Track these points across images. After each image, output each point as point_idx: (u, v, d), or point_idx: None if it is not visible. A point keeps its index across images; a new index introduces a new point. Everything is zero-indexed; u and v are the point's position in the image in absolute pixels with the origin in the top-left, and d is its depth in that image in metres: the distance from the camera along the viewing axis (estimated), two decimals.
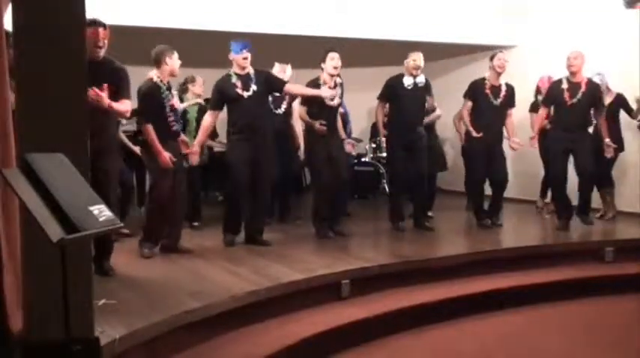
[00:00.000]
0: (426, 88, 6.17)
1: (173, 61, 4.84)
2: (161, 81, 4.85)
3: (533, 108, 7.03)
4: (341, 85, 5.78)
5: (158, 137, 4.74)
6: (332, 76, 5.63)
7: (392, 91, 6.07)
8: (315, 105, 5.66)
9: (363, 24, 7.55)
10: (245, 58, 5.22)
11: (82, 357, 2.23)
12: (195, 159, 5.34)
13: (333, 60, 5.59)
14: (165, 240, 5.03)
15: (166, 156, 4.71)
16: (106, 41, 4.17)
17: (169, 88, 4.94)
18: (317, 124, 5.59)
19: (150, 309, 3.46)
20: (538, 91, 7.04)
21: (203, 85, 6.42)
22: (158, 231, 4.94)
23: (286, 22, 7.21)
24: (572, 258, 5.40)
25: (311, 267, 4.53)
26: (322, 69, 5.66)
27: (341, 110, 6.45)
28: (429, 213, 6.95)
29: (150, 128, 4.72)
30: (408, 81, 6.01)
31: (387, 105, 6.33)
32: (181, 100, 6.15)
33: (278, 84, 5.43)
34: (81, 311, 2.49)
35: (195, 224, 6.27)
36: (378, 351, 3.88)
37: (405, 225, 6.12)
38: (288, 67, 6.38)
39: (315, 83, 5.66)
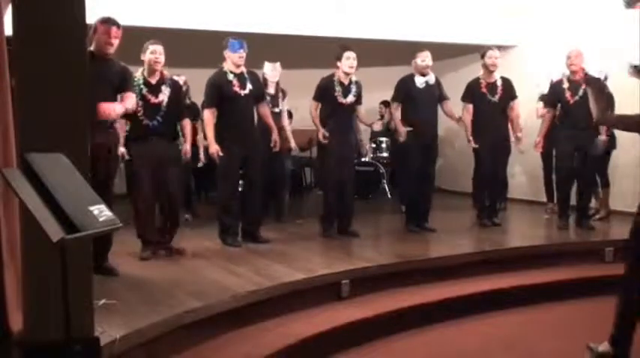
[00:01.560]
0: (438, 86, 6.12)
1: (147, 56, 4.83)
2: (143, 76, 4.85)
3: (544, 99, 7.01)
4: (356, 83, 5.79)
5: (134, 133, 4.72)
6: (347, 74, 5.66)
7: (405, 92, 6.01)
8: (327, 103, 5.67)
9: (362, 24, 7.55)
10: (241, 57, 5.25)
11: (82, 357, 2.23)
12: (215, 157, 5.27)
13: (349, 59, 5.61)
14: (159, 238, 4.98)
15: (120, 152, 4.65)
16: (117, 40, 4.24)
17: (159, 84, 4.87)
18: (320, 133, 5.61)
19: (150, 309, 3.46)
20: None
21: (186, 83, 6.45)
22: (143, 233, 4.87)
23: (286, 22, 7.21)
24: (572, 258, 5.40)
25: (311, 266, 4.53)
26: (338, 67, 5.66)
27: None
28: None
29: (122, 122, 4.71)
30: (419, 80, 5.98)
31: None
32: None
33: (261, 94, 5.57)
34: (81, 311, 2.49)
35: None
36: (378, 351, 3.88)
37: (416, 227, 6.10)
38: (278, 65, 6.42)
39: (329, 79, 5.70)
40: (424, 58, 5.95)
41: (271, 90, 6.43)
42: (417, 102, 5.95)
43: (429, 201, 6.26)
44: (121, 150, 4.73)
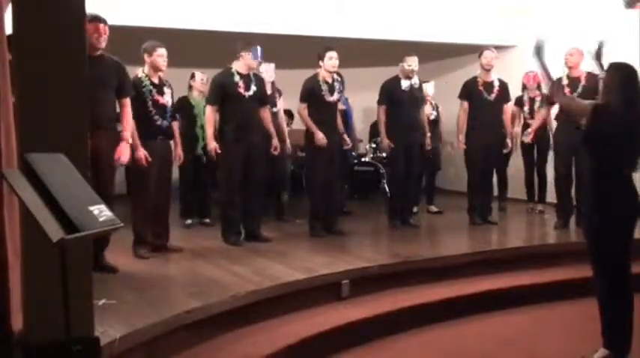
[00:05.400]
0: (420, 89, 6.31)
1: (154, 57, 4.86)
2: (147, 76, 4.87)
3: (518, 102, 7.27)
4: (339, 81, 5.87)
5: (141, 133, 4.74)
6: (330, 73, 5.74)
7: (390, 94, 6.15)
8: (314, 103, 5.72)
9: (362, 24, 7.56)
10: (257, 63, 5.41)
11: (82, 357, 2.23)
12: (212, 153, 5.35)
13: (331, 59, 5.69)
14: (154, 240, 5.01)
15: (142, 153, 4.68)
16: (105, 37, 4.25)
17: (161, 84, 4.94)
18: (320, 137, 5.64)
19: (150, 309, 3.46)
20: (524, 87, 7.23)
21: (203, 81, 6.46)
22: (144, 232, 4.91)
23: (286, 22, 7.22)
24: (572, 258, 5.38)
25: (311, 266, 4.53)
26: (320, 66, 5.74)
27: (342, 107, 6.53)
28: (435, 209, 7.33)
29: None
30: (404, 83, 6.12)
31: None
32: (188, 99, 6.36)
33: (265, 97, 5.64)
34: (81, 311, 2.49)
35: (207, 221, 6.42)
36: (378, 351, 3.88)
37: (400, 223, 6.21)
38: (272, 66, 6.47)
39: (314, 79, 5.75)
40: (411, 63, 6.09)
41: (268, 90, 6.47)
42: (401, 104, 6.10)
43: (414, 199, 6.49)
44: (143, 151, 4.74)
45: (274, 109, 6.41)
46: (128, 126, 4.45)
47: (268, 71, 6.44)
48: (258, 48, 5.38)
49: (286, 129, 6.69)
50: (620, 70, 3.40)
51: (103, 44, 4.26)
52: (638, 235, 3.50)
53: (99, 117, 4.08)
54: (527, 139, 6.55)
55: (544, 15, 8.06)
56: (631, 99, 3.30)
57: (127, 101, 4.48)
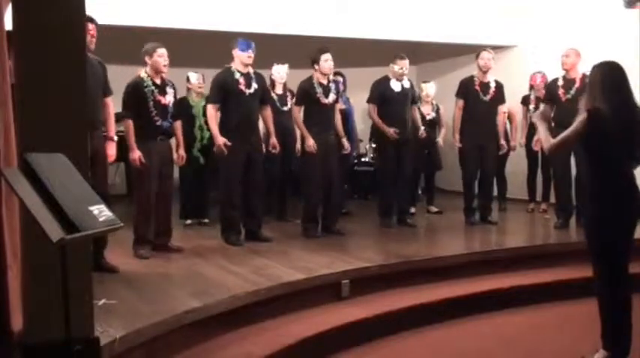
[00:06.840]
0: (412, 89, 6.36)
1: (155, 58, 4.87)
2: (148, 76, 4.89)
3: (524, 101, 7.30)
4: (334, 81, 5.87)
5: (142, 133, 4.75)
6: (326, 75, 5.73)
7: (381, 94, 6.20)
8: (309, 105, 5.72)
9: (363, 24, 7.56)
10: (250, 57, 5.33)
11: (82, 357, 2.23)
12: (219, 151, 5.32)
13: (327, 62, 5.69)
14: (155, 239, 5.01)
15: (136, 154, 4.70)
16: (95, 38, 4.28)
17: (163, 85, 4.96)
18: (311, 143, 5.63)
19: (150, 309, 3.46)
20: (531, 87, 7.28)
21: (199, 80, 6.45)
22: (144, 232, 4.91)
23: (286, 22, 7.22)
24: (572, 258, 5.38)
25: (311, 266, 4.53)
26: (315, 69, 5.72)
27: (342, 106, 6.53)
28: (435, 209, 7.30)
29: (129, 123, 4.75)
30: (395, 84, 6.18)
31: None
32: (187, 100, 6.31)
33: (267, 95, 5.66)
34: (81, 311, 2.49)
35: (205, 221, 6.41)
36: (378, 351, 3.87)
37: (394, 222, 6.24)
38: (286, 67, 6.51)
39: (309, 83, 5.74)
40: (402, 66, 6.15)
41: (279, 90, 6.56)
42: (392, 104, 6.16)
43: (407, 199, 6.54)
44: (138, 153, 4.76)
45: (285, 108, 6.45)
46: (112, 126, 4.51)
47: (280, 72, 6.49)
48: (239, 39, 5.31)
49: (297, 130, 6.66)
50: (602, 67, 3.37)
51: (92, 45, 4.28)
52: (638, 235, 3.48)
53: (93, 118, 4.09)
54: (535, 147, 6.53)
55: (544, 15, 8.07)
56: (620, 97, 3.26)
57: (109, 100, 4.51)
